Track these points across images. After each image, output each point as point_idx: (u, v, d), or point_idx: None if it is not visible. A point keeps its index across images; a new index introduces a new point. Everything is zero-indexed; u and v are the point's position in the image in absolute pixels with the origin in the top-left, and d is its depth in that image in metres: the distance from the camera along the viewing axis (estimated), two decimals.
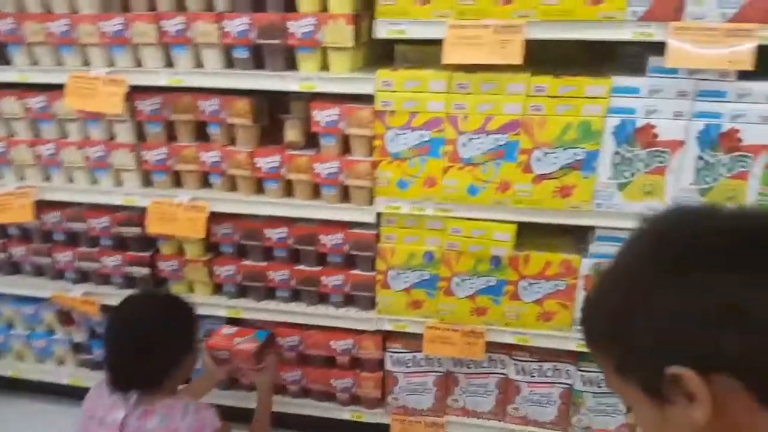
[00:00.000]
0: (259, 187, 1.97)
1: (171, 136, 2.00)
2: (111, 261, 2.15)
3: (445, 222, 1.81)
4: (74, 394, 2.40)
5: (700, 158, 1.59)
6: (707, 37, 1.44)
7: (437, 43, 1.58)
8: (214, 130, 1.92)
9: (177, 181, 2.05)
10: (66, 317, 2.35)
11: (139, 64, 1.88)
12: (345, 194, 1.90)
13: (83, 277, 2.26)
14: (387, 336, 2.05)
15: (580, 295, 1.81)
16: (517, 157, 1.69)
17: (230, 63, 1.82)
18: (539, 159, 1.68)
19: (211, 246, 2.10)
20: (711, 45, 1.44)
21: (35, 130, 2.08)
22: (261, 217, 1.98)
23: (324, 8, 1.68)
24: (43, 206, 2.14)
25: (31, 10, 1.88)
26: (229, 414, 1.87)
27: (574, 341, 1.86)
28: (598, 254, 1.77)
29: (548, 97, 1.61)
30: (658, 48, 1.49)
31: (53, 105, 1.98)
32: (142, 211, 2.02)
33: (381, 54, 1.93)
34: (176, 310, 1.62)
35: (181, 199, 1.95)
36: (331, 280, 1.99)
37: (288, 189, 1.95)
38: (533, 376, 1.97)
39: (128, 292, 2.17)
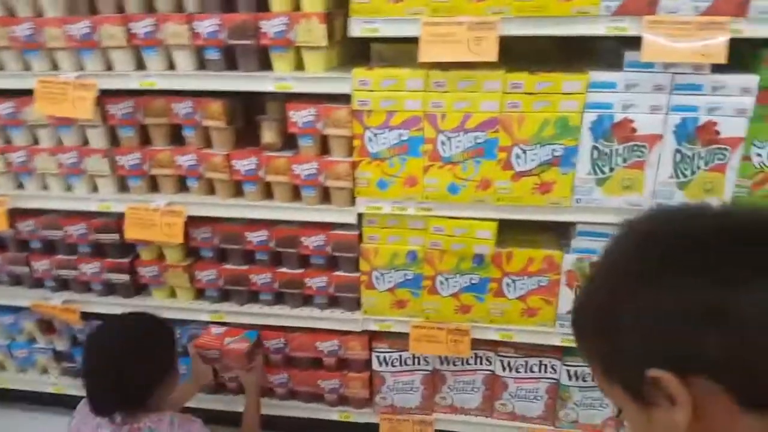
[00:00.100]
0: (237, 189, 1.94)
1: (146, 140, 1.96)
2: (90, 268, 2.11)
3: (427, 221, 1.80)
4: (59, 402, 2.38)
5: (678, 152, 1.59)
6: (681, 30, 1.43)
7: (413, 41, 1.56)
8: (188, 133, 1.88)
9: (154, 185, 2.01)
10: (47, 326, 2.32)
11: (109, 67, 1.83)
12: (325, 195, 1.88)
13: (63, 284, 2.22)
14: (373, 336, 2.04)
15: (563, 291, 1.81)
16: (496, 155, 1.68)
17: (203, 64, 1.78)
18: (518, 156, 1.66)
19: (191, 251, 2.07)
20: (685, 38, 1.43)
21: (5, 137, 2.03)
22: (241, 220, 1.96)
23: (297, 7, 1.65)
24: (17, 214, 2.10)
25: None
26: (216, 418, 1.87)
27: (559, 336, 1.86)
28: (580, 249, 1.77)
29: (525, 93, 1.60)
30: (636, 43, 1.48)
31: (22, 111, 1.93)
32: (119, 217, 1.98)
33: (357, 53, 1.90)
34: (152, 333, 1.59)
35: (157, 204, 1.92)
36: (315, 282, 1.97)
37: (267, 191, 1.92)
38: (519, 372, 1.97)
39: (109, 298, 2.17)
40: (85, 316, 2.18)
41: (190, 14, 1.70)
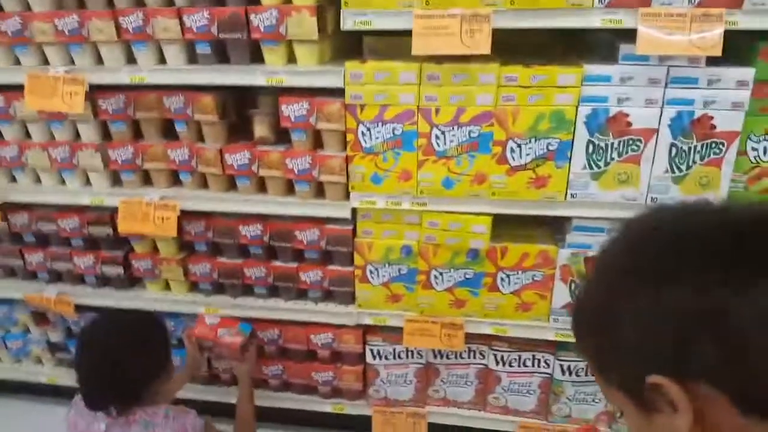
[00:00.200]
0: (230, 184, 1.93)
1: (138, 135, 1.95)
2: (84, 261, 2.11)
3: (421, 216, 1.79)
4: (53, 392, 2.39)
5: (673, 146, 1.57)
6: (676, 22, 1.41)
7: (406, 34, 1.54)
8: (180, 128, 1.87)
9: (147, 180, 2.00)
10: (41, 317, 2.32)
11: (99, 62, 1.81)
12: (319, 190, 1.87)
13: (57, 277, 2.22)
14: (367, 329, 2.04)
15: (558, 286, 1.80)
16: (491, 149, 1.66)
17: (194, 59, 1.76)
18: (513, 150, 1.65)
19: (185, 244, 2.07)
20: (680, 31, 1.41)
21: None
22: (234, 214, 1.95)
23: (287, 0, 1.63)
24: (10, 208, 2.09)
25: None
26: (211, 409, 1.88)
27: (553, 331, 1.86)
28: (575, 244, 1.76)
29: (520, 87, 1.58)
30: (631, 36, 1.46)
31: (12, 105, 1.91)
32: (113, 211, 1.98)
33: (350, 48, 1.88)
34: (145, 330, 1.58)
35: (151, 198, 1.91)
36: (309, 276, 1.97)
37: (261, 185, 1.91)
38: (512, 366, 1.97)
39: (103, 291, 2.17)
40: (80, 308, 2.18)
41: (180, 8, 1.67)
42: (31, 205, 2.09)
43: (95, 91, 1.83)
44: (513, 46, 1.63)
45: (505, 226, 1.82)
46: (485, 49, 1.49)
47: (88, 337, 1.57)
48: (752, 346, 0.54)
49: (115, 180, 2.01)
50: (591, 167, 1.64)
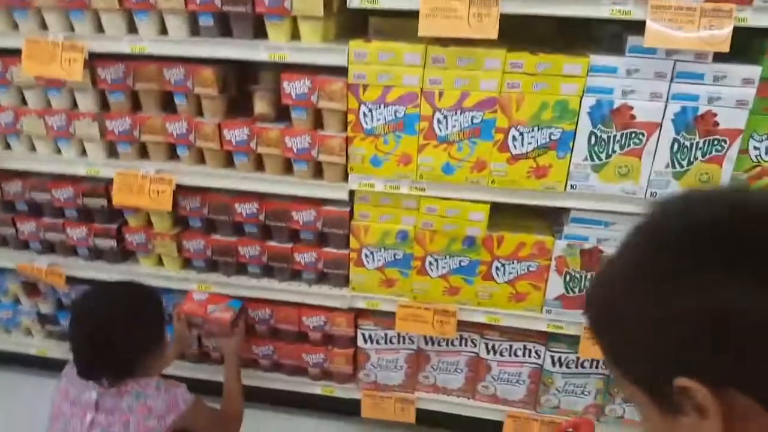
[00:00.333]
0: (228, 160, 1.91)
1: (137, 106, 1.92)
2: (77, 233, 2.09)
3: (419, 201, 1.78)
4: (43, 364, 2.38)
5: (676, 141, 1.56)
6: (685, 16, 1.39)
7: (412, 15, 1.52)
8: (180, 101, 1.84)
9: (143, 152, 1.98)
10: (32, 288, 2.30)
11: (100, 30, 1.78)
12: (318, 170, 1.85)
13: (49, 247, 2.20)
14: (359, 313, 2.04)
15: (553, 277, 1.80)
16: (493, 136, 1.65)
17: (196, 31, 1.73)
18: (515, 138, 1.64)
19: (179, 219, 2.05)
20: (689, 25, 1.39)
21: None
22: (231, 191, 1.93)
23: None
24: (3, 176, 2.06)
25: None
26: (200, 387, 1.87)
27: (545, 322, 1.86)
28: (572, 236, 1.76)
29: (525, 74, 1.56)
30: (639, 29, 1.45)
31: (9, 70, 1.88)
32: (108, 182, 1.95)
33: (355, 28, 1.86)
34: (140, 301, 1.56)
35: (146, 171, 1.89)
36: (304, 257, 1.96)
37: (258, 163, 1.89)
38: (503, 356, 1.98)
39: (96, 263, 2.15)
40: (71, 280, 2.16)
41: None
42: (26, 173, 2.07)
43: (95, 60, 1.80)
44: (516, 37, 1.61)
45: (502, 215, 1.81)
46: (492, 33, 1.47)
47: (83, 307, 1.55)
48: None
49: (112, 151, 1.98)
50: (592, 159, 1.63)
